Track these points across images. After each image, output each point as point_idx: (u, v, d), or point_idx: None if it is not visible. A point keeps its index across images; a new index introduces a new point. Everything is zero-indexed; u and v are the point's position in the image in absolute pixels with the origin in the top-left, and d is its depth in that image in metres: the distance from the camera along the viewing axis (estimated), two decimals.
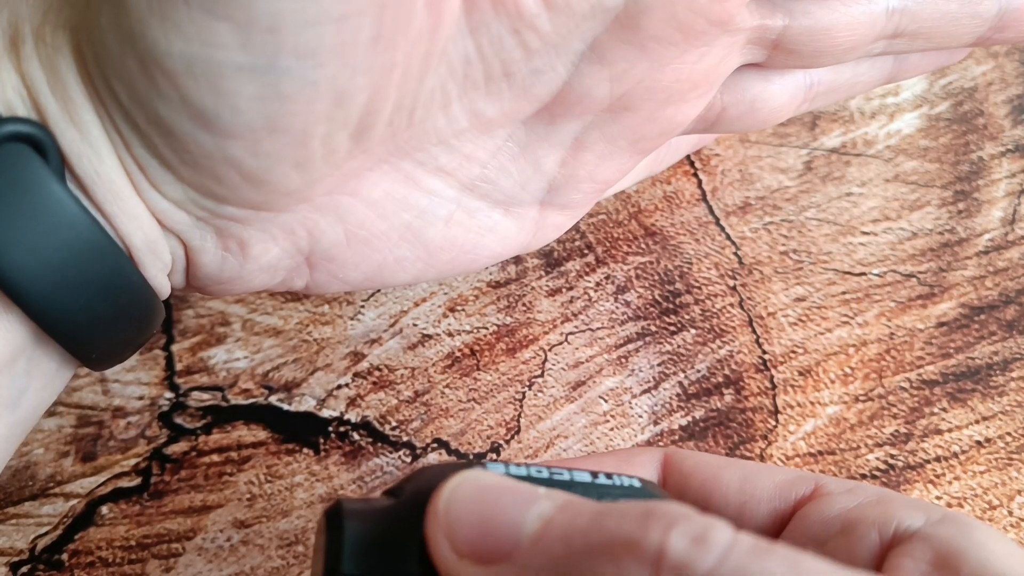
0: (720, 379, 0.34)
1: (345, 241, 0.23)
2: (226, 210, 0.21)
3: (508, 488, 0.16)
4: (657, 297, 0.35)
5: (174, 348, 0.33)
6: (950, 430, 0.34)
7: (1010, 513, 0.33)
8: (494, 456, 0.32)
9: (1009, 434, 0.34)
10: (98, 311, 0.20)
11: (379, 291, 0.35)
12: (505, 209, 0.26)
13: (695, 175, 0.38)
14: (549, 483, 0.17)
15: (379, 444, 0.32)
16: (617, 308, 0.35)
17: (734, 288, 0.36)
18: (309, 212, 0.22)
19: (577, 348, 0.34)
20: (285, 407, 0.32)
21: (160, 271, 0.21)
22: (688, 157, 0.39)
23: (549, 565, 0.15)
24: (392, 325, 0.34)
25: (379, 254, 0.24)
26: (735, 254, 0.36)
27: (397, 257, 0.25)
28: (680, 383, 0.34)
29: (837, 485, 0.21)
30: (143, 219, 0.20)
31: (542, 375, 0.34)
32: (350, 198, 0.23)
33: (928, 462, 0.33)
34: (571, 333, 0.34)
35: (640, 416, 0.33)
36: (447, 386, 0.33)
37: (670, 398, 0.33)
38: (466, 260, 0.26)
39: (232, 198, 0.20)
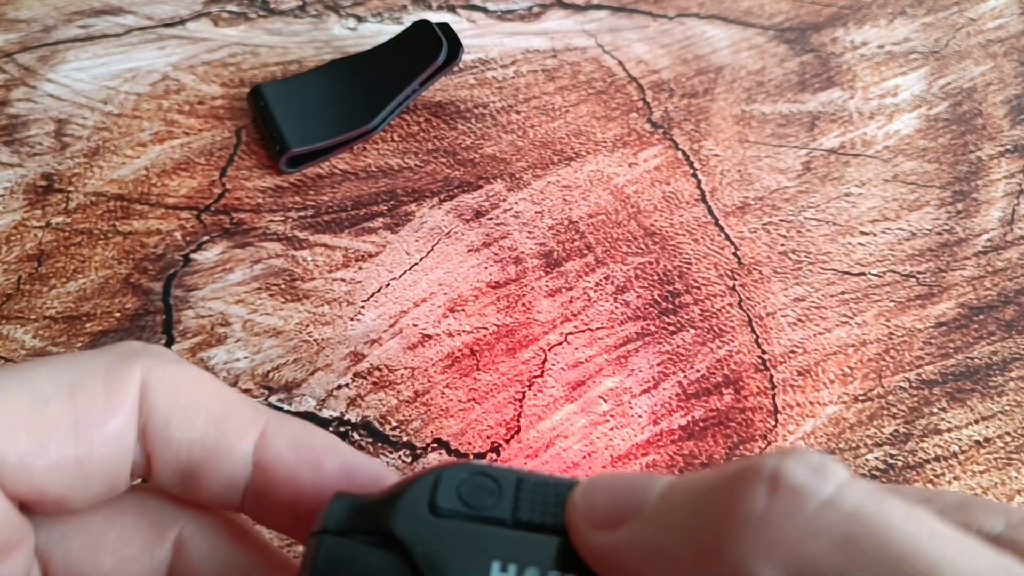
0: (719, 379, 0.34)
1: None
2: None
3: (634, 474, 0.18)
4: (656, 297, 0.35)
5: (175, 348, 0.33)
6: (949, 430, 0.34)
7: None
8: (494, 456, 0.32)
9: (1008, 434, 0.34)
10: None
11: (379, 291, 0.35)
12: None
13: (694, 175, 0.38)
14: None
15: (379, 444, 0.32)
16: (617, 308, 0.35)
17: (733, 288, 0.36)
18: None
19: (577, 348, 0.34)
20: (285, 407, 0.32)
21: None
22: (687, 157, 0.39)
23: (674, 513, 0.16)
24: (392, 325, 0.34)
25: None
26: (734, 254, 0.36)
27: None
28: (680, 383, 0.34)
29: (915, 494, 0.21)
30: None
31: (542, 375, 0.34)
32: None
33: (927, 462, 0.33)
34: (571, 333, 0.34)
35: (640, 416, 0.33)
36: (447, 386, 0.33)
37: (670, 398, 0.34)
38: None
39: None
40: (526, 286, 0.35)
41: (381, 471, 0.21)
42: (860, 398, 0.34)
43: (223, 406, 0.20)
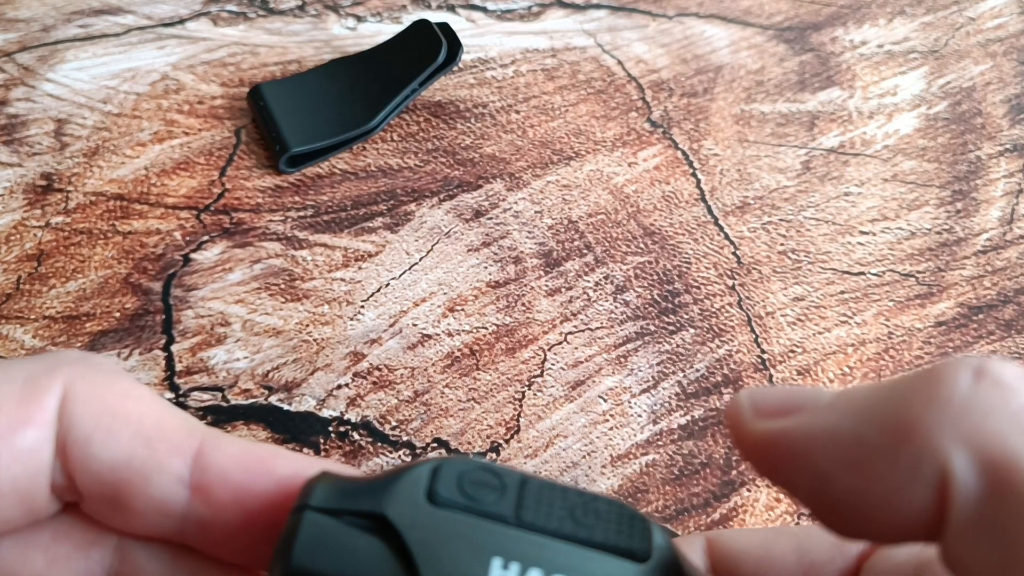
0: (719, 378, 0.34)
1: None
2: None
3: (800, 386, 0.17)
4: (656, 297, 0.35)
5: (174, 348, 0.33)
6: None
7: None
8: (494, 456, 0.32)
9: None
10: None
11: (379, 291, 0.35)
12: None
13: (694, 175, 0.38)
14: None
15: (379, 444, 0.32)
16: (616, 308, 0.35)
17: (733, 287, 0.36)
18: None
19: (576, 348, 0.34)
20: (285, 407, 0.32)
21: None
22: (687, 157, 0.39)
23: (856, 401, 0.15)
24: (392, 325, 0.34)
25: None
26: (734, 254, 0.36)
27: None
28: (679, 382, 0.34)
29: None
30: None
31: (541, 375, 0.34)
32: None
33: None
34: (570, 333, 0.35)
35: (639, 415, 0.33)
36: (447, 386, 0.33)
37: (669, 397, 0.34)
38: None
39: None
40: (526, 286, 0.35)
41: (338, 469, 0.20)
42: None
43: (155, 422, 0.18)
